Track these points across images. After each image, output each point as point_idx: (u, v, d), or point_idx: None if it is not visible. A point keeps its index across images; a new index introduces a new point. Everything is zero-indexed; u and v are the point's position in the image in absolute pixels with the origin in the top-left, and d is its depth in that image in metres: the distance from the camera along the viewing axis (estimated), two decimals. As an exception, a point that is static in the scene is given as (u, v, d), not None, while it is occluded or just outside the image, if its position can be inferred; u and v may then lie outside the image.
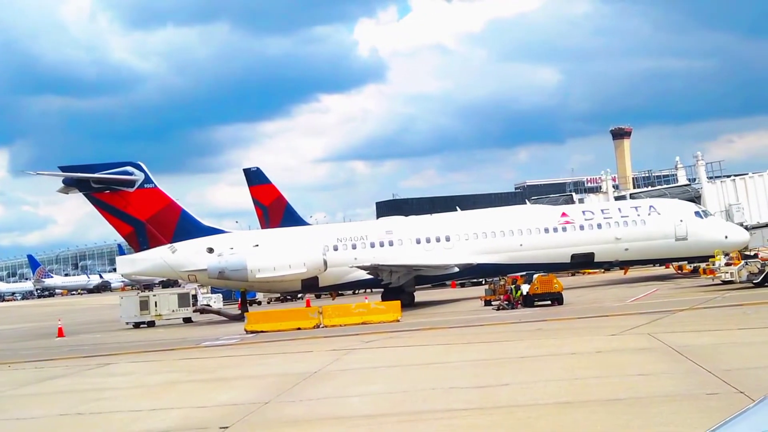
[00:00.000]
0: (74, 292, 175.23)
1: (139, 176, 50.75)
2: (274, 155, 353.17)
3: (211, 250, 50.37)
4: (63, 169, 50.89)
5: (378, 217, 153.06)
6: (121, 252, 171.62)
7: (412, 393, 18.49)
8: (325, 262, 49.30)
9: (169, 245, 50.73)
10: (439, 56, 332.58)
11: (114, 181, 50.49)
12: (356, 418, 16.30)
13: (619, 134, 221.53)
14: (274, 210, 73.44)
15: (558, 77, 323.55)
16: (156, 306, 51.05)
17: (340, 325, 38.55)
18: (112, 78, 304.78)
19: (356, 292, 66.34)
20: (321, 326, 39.07)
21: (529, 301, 40.75)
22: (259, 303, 67.61)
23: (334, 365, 24.35)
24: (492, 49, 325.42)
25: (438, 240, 51.65)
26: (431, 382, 19.72)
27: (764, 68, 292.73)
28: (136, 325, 50.48)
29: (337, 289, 56.39)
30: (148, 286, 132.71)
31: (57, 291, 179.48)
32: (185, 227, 51.24)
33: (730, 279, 40.60)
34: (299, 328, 38.80)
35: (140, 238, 51.04)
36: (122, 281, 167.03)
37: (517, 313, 37.93)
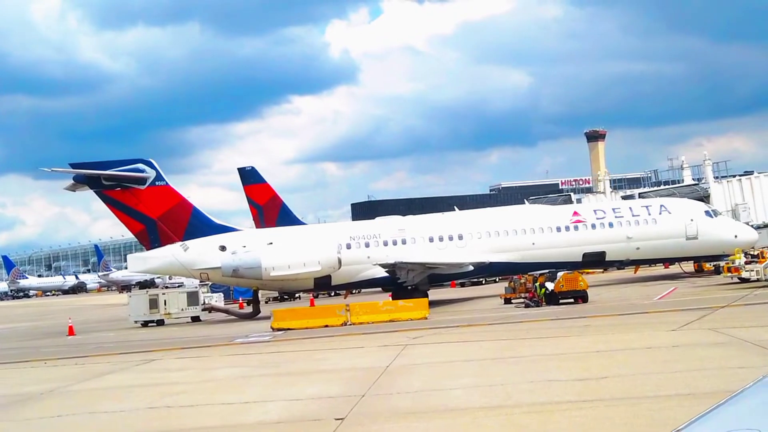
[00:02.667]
0: (49, 293, 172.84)
1: (150, 173, 50.12)
2: (245, 156, 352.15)
3: (223, 248, 49.84)
4: (73, 165, 50.19)
5: (354, 218, 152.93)
6: (99, 253, 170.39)
7: (512, 386, 18.19)
8: (340, 261, 49.02)
9: (180, 243, 50.13)
10: (411, 58, 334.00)
11: (125, 178, 49.83)
12: (476, 410, 16.01)
13: (594, 137, 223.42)
14: (269, 209, 72.86)
15: (529, 80, 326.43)
16: (165, 304, 50.50)
17: (368, 323, 38.24)
18: (81, 78, 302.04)
19: (353, 291, 65.92)
20: (348, 323, 38.82)
21: (553, 298, 40.72)
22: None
23: (400, 360, 23.98)
24: (464, 52, 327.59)
25: (451, 238, 51.50)
26: (523, 376, 19.46)
27: (733, 72, 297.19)
28: (145, 324, 49.84)
29: (349, 288, 56.09)
30: (126, 287, 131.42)
31: (32, 292, 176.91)
32: (197, 225, 50.69)
33: (754, 277, 40.78)
34: (327, 326, 38.52)
35: (151, 235, 50.41)
36: (98, 282, 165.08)
37: (546, 311, 37.84)
